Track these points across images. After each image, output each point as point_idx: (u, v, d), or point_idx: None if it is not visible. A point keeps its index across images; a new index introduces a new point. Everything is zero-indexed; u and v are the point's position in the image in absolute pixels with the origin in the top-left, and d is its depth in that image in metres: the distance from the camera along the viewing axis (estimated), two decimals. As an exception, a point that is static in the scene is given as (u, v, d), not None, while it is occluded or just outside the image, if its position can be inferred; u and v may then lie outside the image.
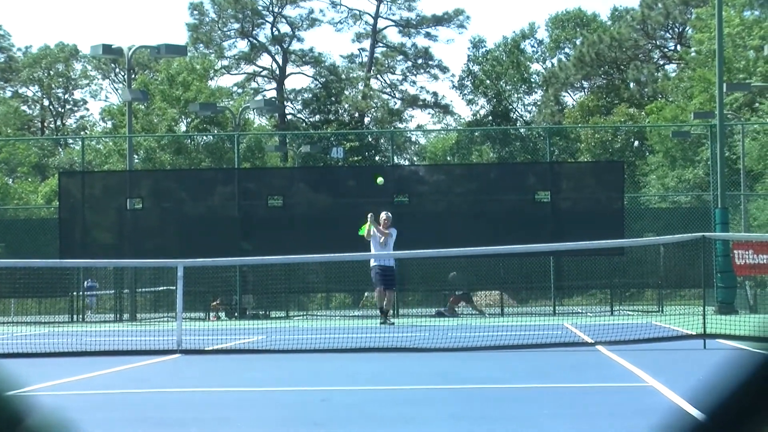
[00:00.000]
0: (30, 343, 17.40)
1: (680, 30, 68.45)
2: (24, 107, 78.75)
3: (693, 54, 59.25)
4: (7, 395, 2.12)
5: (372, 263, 24.27)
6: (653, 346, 14.84)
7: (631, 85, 67.69)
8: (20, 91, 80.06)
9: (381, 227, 24.51)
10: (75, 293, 34.90)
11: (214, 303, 32.97)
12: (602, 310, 33.26)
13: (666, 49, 70.12)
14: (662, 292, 33.98)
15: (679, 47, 67.60)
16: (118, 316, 33.76)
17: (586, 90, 69.95)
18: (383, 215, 24.83)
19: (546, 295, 34.30)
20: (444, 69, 73.88)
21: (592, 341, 15.83)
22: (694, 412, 6.96)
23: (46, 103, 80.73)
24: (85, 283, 39.66)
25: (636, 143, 62.03)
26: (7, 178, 67.39)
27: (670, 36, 69.84)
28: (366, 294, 39.39)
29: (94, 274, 39.03)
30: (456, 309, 32.14)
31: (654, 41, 69.58)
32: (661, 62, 69.82)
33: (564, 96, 71.09)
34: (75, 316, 33.60)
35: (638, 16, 67.61)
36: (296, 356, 14.71)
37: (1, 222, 43.25)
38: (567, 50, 72.58)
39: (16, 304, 38.58)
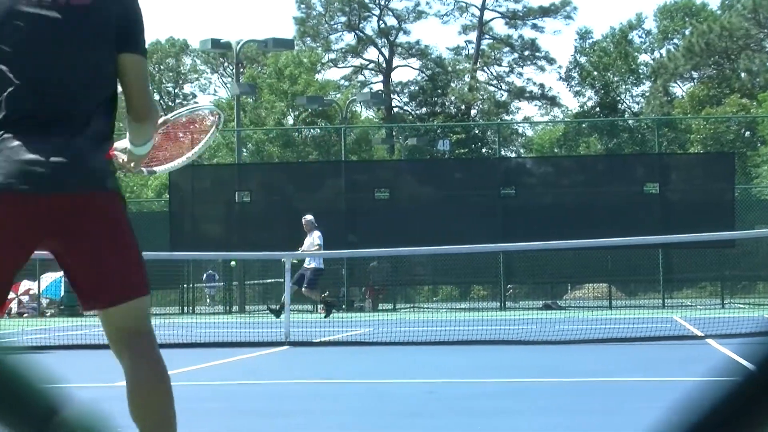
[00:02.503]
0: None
1: (793, 18, 67.19)
2: (135, 102, 79.92)
3: (806, 42, 58.13)
4: (42, 388, 2.18)
5: (312, 265, 24.19)
6: (766, 340, 14.58)
7: (743, 75, 66.62)
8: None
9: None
10: (185, 285, 35.37)
11: (322, 296, 33.17)
12: (713, 303, 32.83)
13: (778, 38, 68.87)
14: (775, 284, 33.46)
15: (791, 36, 66.39)
16: (227, 308, 34.15)
17: (695, 80, 69.01)
18: (303, 220, 24.97)
19: (655, 287, 33.93)
20: (551, 60, 73.35)
21: (702, 334, 15.64)
22: None
23: (156, 97, 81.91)
24: (204, 275, 40.23)
25: (747, 134, 61.06)
26: (118, 172, 68.47)
27: (783, 24, 68.59)
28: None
29: (212, 265, 39.57)
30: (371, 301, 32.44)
31: (766, 30, 68.40)
32: (774, 51, 68.60)
33: (673, 87, 70.21)
34: (185, 308, 34.05)
35: (749, 4, 66.48)
36: (403, 348, 14.74)
37: (113, 215, 43.93)
38: (676, 40, 71.64)
39: (127, 296, 39.18)
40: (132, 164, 4.43)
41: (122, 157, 4.40)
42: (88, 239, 3.95)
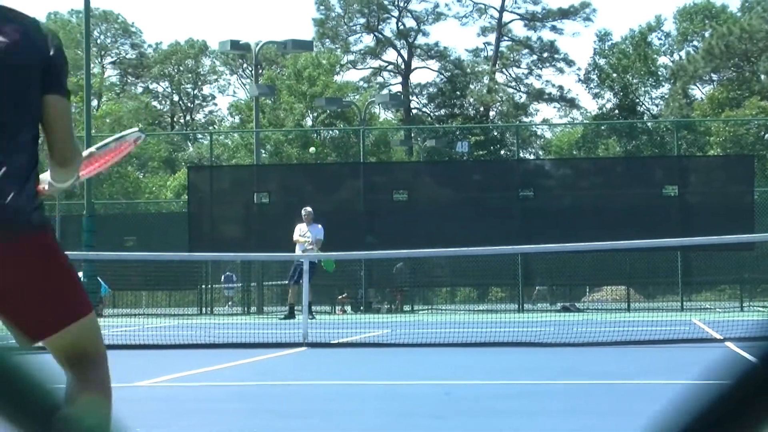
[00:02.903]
0: (160, 335, 17.73)
1: (813, 20, 66.92)
2: (155, 103, 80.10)
3: (827, 45, 57.92)
4: (45, 387, 2.20)
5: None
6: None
7: (762, 77, 66.44)
8: (151, 86, 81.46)
9: (305, 223, 24.76)
10: (203, 286, 35.42)
11: (341, 297, 33.20)
12: (732, 305, 32.74)
13: (798, 40, 68.62)
14: (794, 288, 33.35)
15: (812, 38, 66.13)
16: (245, 308, 34.20)
17: (714, 83, 68.83)
18: (303, 211, 24.99)
19: (673, 290, 33.86)
20: (570, 62, 73.26)
21: (721, 337, 15.60)
22: None
23: (175, 98, 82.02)
24: (222, 276, 40.30)
25: (767, 136, 60.87)
26: (138, 172, 68.64)
27: (803, 27, 68.32)
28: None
29: (230, 266, 39.65)
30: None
31: (786, 32, 68.12)
32: (794, 54, 68.35)
33: (692, 89, 70.05)
34: (203, 309, 34.10)
35: (769, 7, 66.30)
36: (421, 350, 14.74)
37: (132, 216, 44.09)
38: (695, 42, 71.48)
39: (147, 296, 39.31)
40: (51, 193, 4.39)
41: (43, 186, 4.38)
42: (18, 280, 3.87)
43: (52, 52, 4.07)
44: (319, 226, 24.86)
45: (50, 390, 2.24)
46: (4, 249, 3.86)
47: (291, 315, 24.49)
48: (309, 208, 25.16)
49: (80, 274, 33.02)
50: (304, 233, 24.65)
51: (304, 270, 17.58)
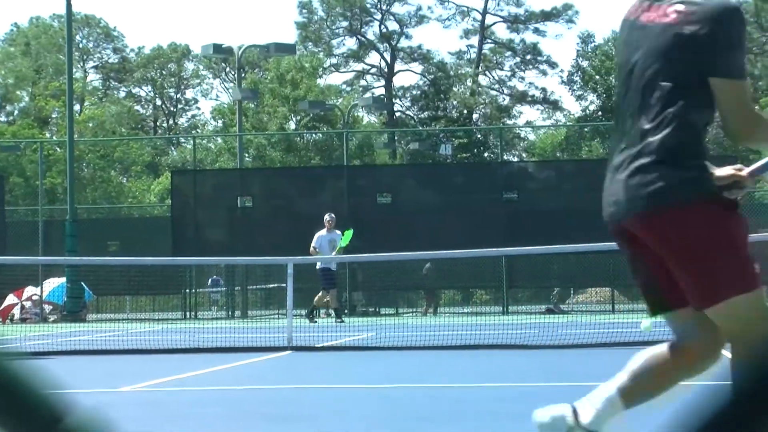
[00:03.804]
0: (144, 340, 17.65)
1: (795, 22, 67.11)
2: (137, 107, 79.93)
3: (808, 46, 58.11)
4: (46, 394, 2.17)
5: (319, 266, 24.42)
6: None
7: (745, 78, 66.62)
8: (133, 91, 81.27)
9: (326, 228, 25.00)
10: (187, 290, 35.36)
11: (325, 300, 33.12)
12: (716, 307, 32.78)
13: (780, 42, 68.80)
14: (778, 288, 33.41)
15: (793, 39, 66.33)
16: (229, 313, 34.13)
17: (698, 84, 68.99)
18: (327, 217, 25.14)
19: (658, 291, 33.86)
20: (553, 64, 73.34)
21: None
22: None
23: (158, 102, 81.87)
24: (209, 280, 40.25)
25: (749, 137, 61.07)
26: (121, 177, 68.48)
27: (785, 28, 68.51)
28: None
29: (216, 270, 39.59)
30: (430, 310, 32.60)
31: (768, 34, 68.33)
32: (775, 55, 68.53)
33: (675, 90, 70.20)
34: (187, 313, 34.03)
35: (751, 8, 66.51)
36: (405, 353, 14.72)
37: (115, 220, 43.98)
38: (678, 44, 71.67)
39: (130, 301, 39.23)
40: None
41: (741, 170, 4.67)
42: (662, 251, 4.30)
43: (711, 33, 4.23)
44: (338, 232, 24.97)
45: (52, 398, 2.21)
46: (641, 223, 4.31)
47: (339, 317, 24.92)
48: (333, 215, 25.25)
49: (63, 279, 32.84)
50: (320, 244, 24.73)
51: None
